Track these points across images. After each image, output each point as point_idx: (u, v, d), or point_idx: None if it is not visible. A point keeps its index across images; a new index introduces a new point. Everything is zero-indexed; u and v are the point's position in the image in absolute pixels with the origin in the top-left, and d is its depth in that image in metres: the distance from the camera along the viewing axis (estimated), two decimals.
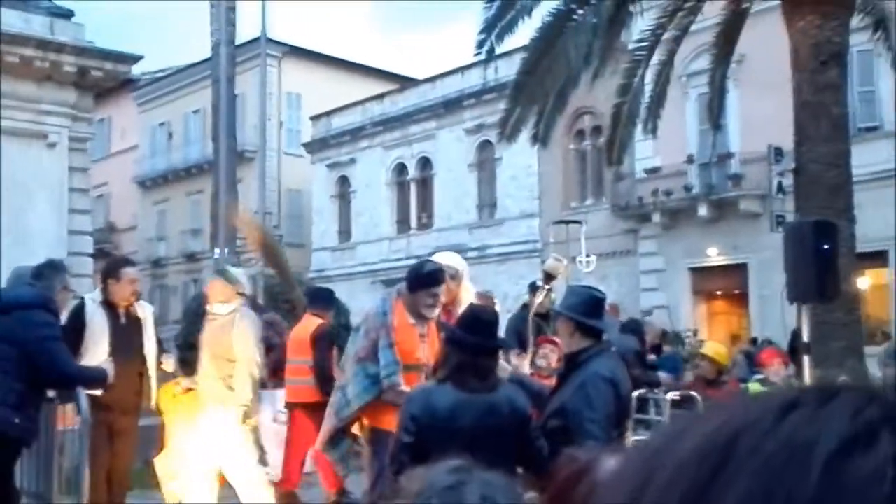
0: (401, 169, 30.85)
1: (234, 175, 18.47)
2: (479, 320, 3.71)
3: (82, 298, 6.19)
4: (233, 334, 5.84)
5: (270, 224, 28.13)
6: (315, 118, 33.77)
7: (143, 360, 6.07)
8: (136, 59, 12.10)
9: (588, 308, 3.75)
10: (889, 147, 19.24)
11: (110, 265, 6.33)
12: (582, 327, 3.72)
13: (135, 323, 6.12)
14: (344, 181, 32.71)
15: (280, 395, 7.73)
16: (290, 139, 35.28)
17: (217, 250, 13.40)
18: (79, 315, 5.93)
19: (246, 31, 21.85)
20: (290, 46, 34.90)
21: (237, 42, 19.89)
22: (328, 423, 4.82)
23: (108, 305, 6.00)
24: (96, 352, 5.78)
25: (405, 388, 4.49)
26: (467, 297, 4.94)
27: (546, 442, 3.57)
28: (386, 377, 4.57)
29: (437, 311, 4.71)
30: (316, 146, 33.62)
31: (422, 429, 3.44)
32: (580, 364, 3.67)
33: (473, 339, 3.55)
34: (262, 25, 11.19)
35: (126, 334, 6.01)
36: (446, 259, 5.20)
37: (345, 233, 32.30)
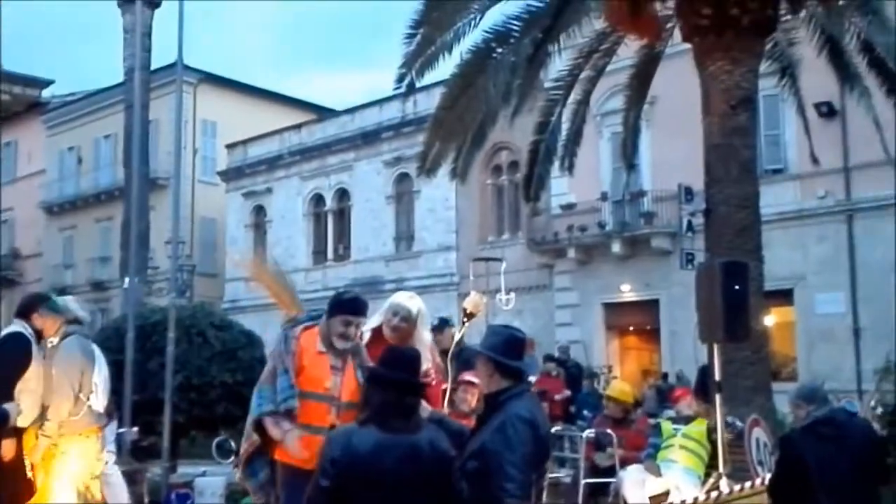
0: (318, 200, 30.66)
1: (146, 202, 18.09)
2: (402, 358, 3.67)
3: (23, 333, 6.01)
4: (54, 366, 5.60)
5: (184, 253, 27.60)
6: (231, 146, 33.38)
7: None
8: (46, 83, 11.79)
9: (509, 348, 3.73)
10: (794, 189, 19.95)
11: (33, 300, 6.30)
12: (502, 368, 3.70)
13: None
14: (259, 210, 32.34)
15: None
16: (205, 167, 34.77)
17: (127, 279, 13.03)
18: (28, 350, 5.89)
19: (160, 56, 21.50)
20: (206, 73, 34.51)
21: (152, 67, 19.59)
22: (243, 449, 4.65)
23: (38, 340, 5.96)
24: (30, 387, 5.75)
25: (286, 424, 4.36)
26: (420, 346, 4.55)
27: (465, 484, 3.53)
28: (282, 401, 4.43)
29: (348, 344, 4.49)
30: (231, 175, 33.20)
31: (341, 472, 3.35)
32: (499, 405, 3.64)
33: (396, 376, 3.50)
34: (179, 51, 10.99)
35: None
36: (402, 300, 4.87)
37: (245, 257, 31.83)
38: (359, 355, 4.57)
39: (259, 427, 4.52)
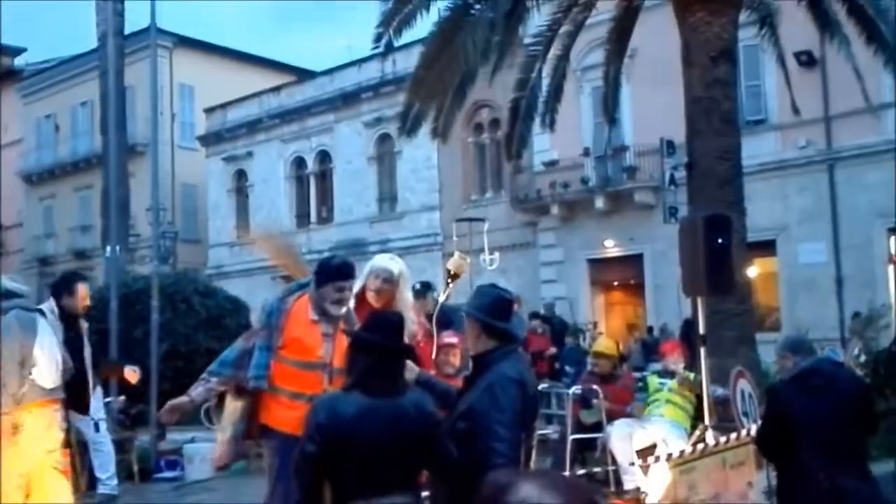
0: (299, 162, 30.48)
1: (125, 170, 17.91)
2: (385, 322, 3.65)
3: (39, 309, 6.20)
4: None
5: (165, 220, 27.41)
6: (209, 111, 33.06)
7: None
8: (18, 51, 11.58)
9: (496, 309, 3.71)
10: (774, 139, 19.96)
11: (63, 279, 6.72)
12: (489, 329, 3.69)
13: (79, 336, 6.49)
14: (241, 175, 32.14)
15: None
16: (184, 132, 34.43)
17: (109, 248, 12.94)
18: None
19: (134, 20, 21.14)
20: (182, 37, 34.02)
21: (126, 32, 19.29)
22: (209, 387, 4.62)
23: (64, 319, 6.15)
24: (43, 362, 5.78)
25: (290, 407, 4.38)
26: (403, 306, 4.55)
27: (453, 445, 3.54)
28: (253, 378, 4.44)
29: (343, 309, 4.49)
30: (211, 139, 32.93)
31: (327, 438, 3.35)
32: (487, 365, 3.63)
33: (378, 341, 3.49)
34: (152, 14, 10.83)
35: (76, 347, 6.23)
36: (383, 262, 4.86)
37: (243, 228, 31.72)
38: (348, 320, 4.55)
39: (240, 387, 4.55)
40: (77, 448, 7.21)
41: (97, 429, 8.05)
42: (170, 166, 32.17)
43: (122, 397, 10.35)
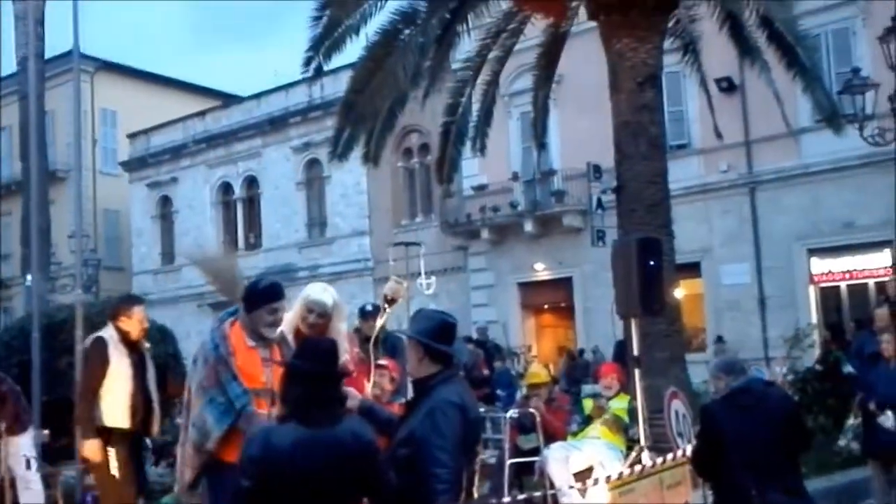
0: (226, 188, 30.11)
1: (46, 196, 17.45)
2: (318, 348, 3.58)
3: (100, 336, 6.42)
4: None
5: (88, 247, 26.76)
6: (132, 136, 32.51)
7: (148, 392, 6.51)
8: None
9: (439, 333, 3.69)
10: (697, 163, 20.42)
11: (121, 302, 6.78)
12: (432, 352, 3.66)
13: (142, 358, 6.57)
14: (165, 201, 31.60)
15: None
16: (106, 158, 33.77)
17: (30, 276, 12.57)
18: (104, 352, 6.27)
19: (54, 44, 20.69)
20: (104, 62, 33.46)
21: (45, 56, 18.86)
22: (191, 464, 4.45)
23: (124, 342, 6.38)
24: (115, 387, 6.17)
25: (261, 411, 4.28)
26: (338, 337, 4.42)
27: (394, 472, 3.49)
28: (241, 408, 4.30)
29: (278, 331, 4.43)
30: (134, 165, 32.35)
31: (262, 471, 3.25)
32: (428, 390, 3.60)
33: (312, 368, 3.40)
34: (75, 39, 10.59)
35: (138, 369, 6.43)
36: (316, 293, 4.72)
37: (167, 254, 31.16)
38: (285, 343, 4.47)
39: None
40: (8, 483, 7.06)
41: (28, 465, 7.77)
42: (92, 192, 31.49)
43: (46, 431, 10.01)
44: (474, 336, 18.09)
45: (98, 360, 6.27)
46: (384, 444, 3.68)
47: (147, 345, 6.88)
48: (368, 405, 4.06)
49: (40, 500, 8.03)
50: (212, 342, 4.45)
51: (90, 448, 6.09)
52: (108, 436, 6.22)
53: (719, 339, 18.46)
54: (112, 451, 6.17)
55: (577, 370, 18.38)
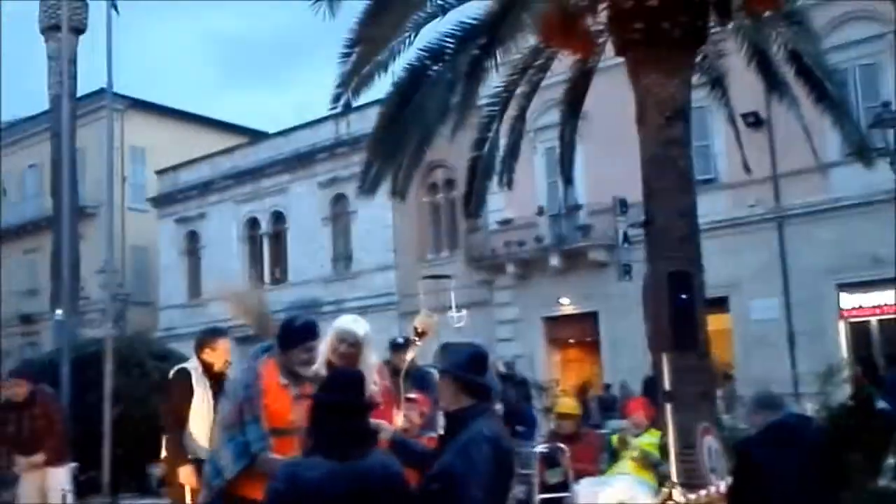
0: (253, 223, 30.32)
1: (76, 232, 17.65)
2: (344, 379, 3.57)
3: (184, 368, 6.45)
4: None
5: (115, 283, 26.98)
6: (161, 172, 32.87)
7: None
8: None
9: (473, 364, 3.66)
10: (725, 198, 20.33)
11: (206, 335, 6.73)
12: (467, 385, 3.64)
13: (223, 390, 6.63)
14: (193, 237, 31.86)
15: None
16: (135, 194, 34.13)
17: (59, 311, 12.68)
18: (188, 384, 6.31)
19: (84, 83, 21.06)
20: (133, 99, 33.95)
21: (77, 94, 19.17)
22: (200, 498, 4.49)
23: (207, 374, 6.38)
24: (197, 419, 6.17)
25: (278, 456, 4.25)
26: (369, 369, 4.43)
27: None
28: (257, 451, 4.29)
29: (313, 369, 4.41)
30: (162, 201, 32.67)
31: None
32: (462, 424, 3.57)
33: (338, 399, 3.36)
34: (108, 78, 10.80)
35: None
36: (347, 324, 4.72)
37: (194, 289, 31.33)
38: (318, 381, 4.45)
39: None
40: None
41: (64, 500, 7.80)
42: (120, 228, 31.81)
43: (75, 463, 10.05)
44: (501, 370, 17.99)
45: (183, 391, 6.29)
46: (416, 478, 3.65)
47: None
48: (401, 438, 4.03)
49: None
50: (244, 381, 4.46)
51: (185, 474, 6.04)
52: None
53: (726, 377, 18.19)
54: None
55: (604, 405, 18.22)
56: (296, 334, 4.42)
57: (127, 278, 31.98)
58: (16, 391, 7.74)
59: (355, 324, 4.75)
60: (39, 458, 7.64)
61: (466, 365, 3.65)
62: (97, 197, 28.68)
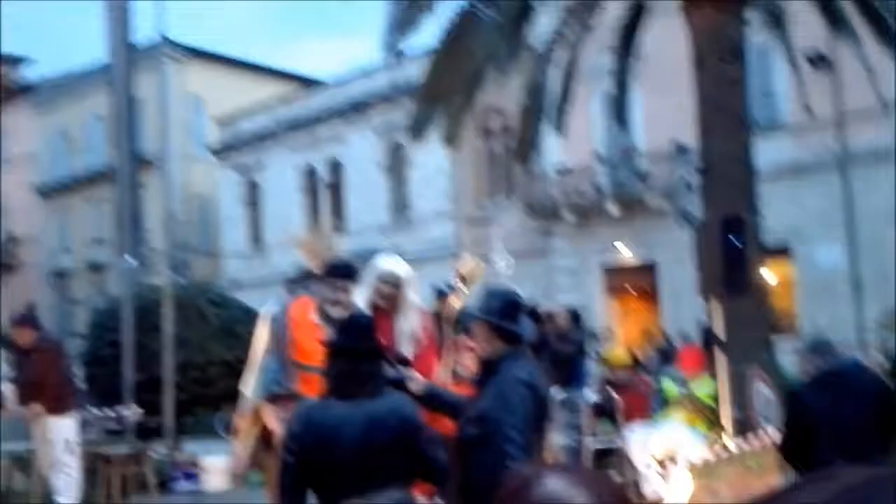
0: (311, 172, 30.50)
1: (135, 182, 17.90)
2: (356, 324, 3.62)
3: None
4: None
5: (178, 233, 27.46)
6: (220, 122, 33.12)
7: None
8: (28, 62, 11.60)
9: (506, 311, 3.65)
10: (787, 141, 19.82)
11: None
12: (500, 331, 3.63)
13: None
14: (253, 186, 32.18)
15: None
16: (195, 144, 34.53)
17: (127, 257, 12.90)
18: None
19: (143, 33, 21.21)
20: (191, 48, 34.15)
21: (135, 45, 19.29)
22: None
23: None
24: None
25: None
26: (410, 310, 4.49)
27: (468, 448, 3.50)
28: (272, 382, 4.47)
29: (339, 310, 4.43)
30: (222, 150, 32.99)
31: (304, 447, 3.32)
32: (496, 369, 3.58)
33: (347, 343, 3.44)
34: (161, 27, 10.86)
35: None
36: (388, 265, 4.76)
37: (256, 239, 31.74)
38: None
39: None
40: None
41: (68, 450, 7.63)
42: (181, 178, 32.26)
43: (138, 408, 10.32)
44: (563, 326, 17.88)
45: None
46: (452, 427, 3.68)
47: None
48: (434, 390, 4.05)
49: (73, 488, 7.80)
50: (274, 313, 4.63)
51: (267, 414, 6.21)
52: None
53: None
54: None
55: (664, 355, 18.08)
56: (329, 270, 4.52)
57: (191, 227, 32.54)
58: (21, 337, 7.59)
59: (396, 264, 4.77)
60: (37, 407, 7.44)
61: (499, 310, 3.64)
62: (159, 147, 29.08)
